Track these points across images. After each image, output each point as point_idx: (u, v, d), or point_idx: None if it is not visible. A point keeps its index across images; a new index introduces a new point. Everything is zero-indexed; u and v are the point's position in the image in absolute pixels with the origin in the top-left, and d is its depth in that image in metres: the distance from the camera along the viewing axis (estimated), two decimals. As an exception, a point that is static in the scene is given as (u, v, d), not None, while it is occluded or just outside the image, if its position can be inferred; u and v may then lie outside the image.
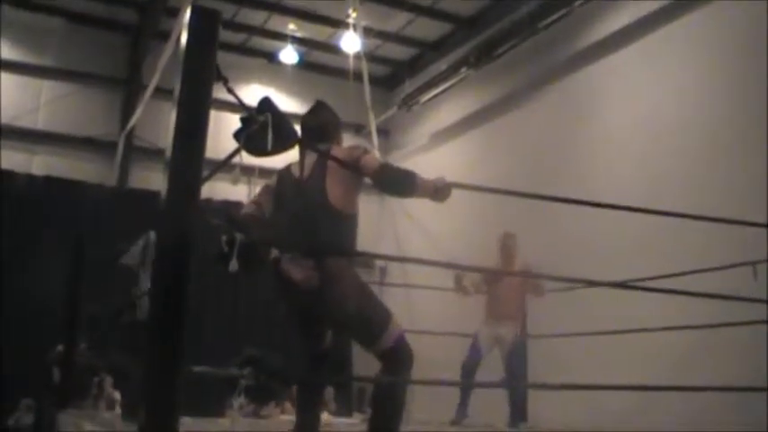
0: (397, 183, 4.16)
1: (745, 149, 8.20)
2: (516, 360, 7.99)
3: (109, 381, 9.85)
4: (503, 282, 8.19)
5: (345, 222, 4.20)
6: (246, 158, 3.16)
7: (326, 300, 4.10)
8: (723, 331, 6.78)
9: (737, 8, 8.66)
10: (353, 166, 4.10)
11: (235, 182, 3.34)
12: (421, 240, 13.40)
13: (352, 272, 4.22)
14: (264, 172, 13.20)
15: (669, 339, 7.63)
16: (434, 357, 8.29)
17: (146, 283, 7.33)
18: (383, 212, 14.56)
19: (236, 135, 3.00)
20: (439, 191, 4.09)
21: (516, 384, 8.05)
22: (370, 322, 4.18)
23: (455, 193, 4.13)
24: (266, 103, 3.02)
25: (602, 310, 8.35)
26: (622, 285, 6.09)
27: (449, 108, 13.79)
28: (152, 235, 7.72)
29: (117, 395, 9.78)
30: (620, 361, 8.40)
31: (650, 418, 7.86)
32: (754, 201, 7.53)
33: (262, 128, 2.89)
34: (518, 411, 8.00)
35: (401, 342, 4.21)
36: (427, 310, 11.14)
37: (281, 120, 2.96)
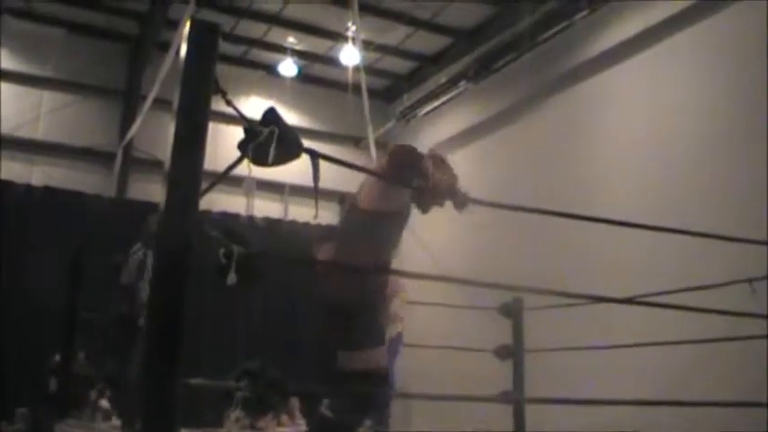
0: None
1: (746, 163, 8.21)
2: (392, 364, 7.79)
3: (106, 391, 9.84)
4: None
5: (365, 218, 4.32)
6: (242, 170, 3.15)
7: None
8: (722, 346, 6.78)
9: (738, 21, 8.69)
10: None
11: (247, 193, 3.34)
12: (421, 254, 13.39)
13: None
14: (263, 185, 13.23)
15: (669, 354, 7.62)
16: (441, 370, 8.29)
17: (145, 295, 7.35)
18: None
19: (241, 146, 2.99)
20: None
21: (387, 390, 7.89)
22: (357, 330, 4.18)
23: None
24: (271, 114, 3.02)
25: (602, 325, 8.36)
26: (625, 300, 6.09)
27: (448, 121, 13.80)
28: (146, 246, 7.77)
29: (108, 405, 9.75)
30: (621, 375, 8.39)
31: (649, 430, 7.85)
32: (756, 217, 7.54)
33: (268, 138, 2.89)
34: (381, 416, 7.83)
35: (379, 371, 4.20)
36: (427, 322, 11.13)
37: (288, 130, 2.96)
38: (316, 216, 3.53)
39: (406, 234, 13.98)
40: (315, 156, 3.12)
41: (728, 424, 6.84)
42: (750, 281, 6.57)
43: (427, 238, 13.14)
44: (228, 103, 2.93)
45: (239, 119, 2.99)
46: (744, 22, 8.64)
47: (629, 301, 5.88)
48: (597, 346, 7.83)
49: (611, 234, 8.61)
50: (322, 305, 4.29)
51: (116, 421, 9.19)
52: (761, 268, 6.53)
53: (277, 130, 2.90)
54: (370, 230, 4.31)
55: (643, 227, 4.63)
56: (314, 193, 3.23)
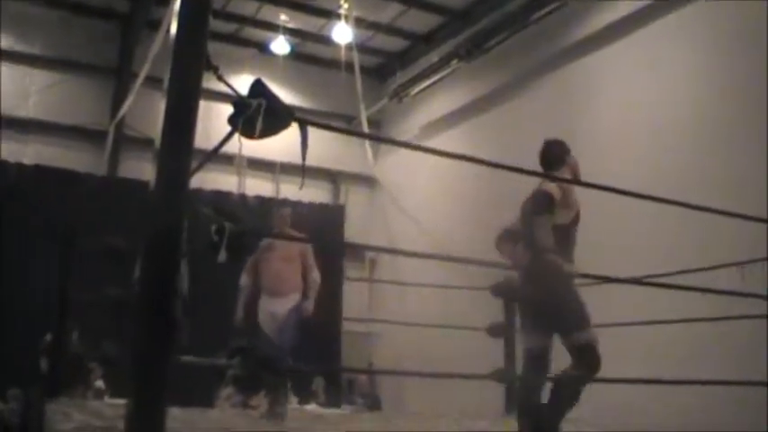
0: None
1: (744, 144, 8.17)
2: (286, 340, 7.44)
3: (98, 371, 9.84)
4: (274, 256, 7.62)
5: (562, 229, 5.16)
6: (234, 148, 3.13)
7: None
8: (727, 328, 6.81)
9: (735, 1, 8.62)
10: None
11: (238, 171, 3.33)
12: (412, 232, 13.38)
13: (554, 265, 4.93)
14: (255, 163, 13.21)
15: (674, 335, 7.63)
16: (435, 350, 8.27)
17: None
18: (373, 204, 14.55)
19: (231, 120, 2.97)
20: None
21: (285, 365, 7.54)
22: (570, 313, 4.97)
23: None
24: (258, 85, 3.00)
25: (608, 306, 8.37)
26: (633, 281, 6.12)
27: (440, 100, 13.78)
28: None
29: (101, 384, 9.76)
30: (627, 356, 8.41)
31: (654, 413, 7.86)
32: (756, 197, 7.51)
33: (257, 110, 2.88)
34: (278, 400, 7.44)
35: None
36: (419, 302, 11.15)
37: (276, 101, 2.94)
38: (301, 186, 3.52)
39: (396, 211, 13.91)
40: (303, 124, 3.11)
41: (734, 403, 6.87)
42: (741, 264, 6.61)
43: (417, 215, 13.15)
44: (220, 78, 2.91)
45: (231, 96, 2.97)
46: (741, 1, 8.57)
47: (632, 281, 5.91)
48: (600, 324, 7.82)
49: (614, 216, 8.64)
50: (533, 298, 5.13)
51: (108, 400, 9.19)
52: (759, 252, 6.56)
53: (265, 102, 2.88)
54: (565, 239, 5.16)
55: (663, 201, 4.63)
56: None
